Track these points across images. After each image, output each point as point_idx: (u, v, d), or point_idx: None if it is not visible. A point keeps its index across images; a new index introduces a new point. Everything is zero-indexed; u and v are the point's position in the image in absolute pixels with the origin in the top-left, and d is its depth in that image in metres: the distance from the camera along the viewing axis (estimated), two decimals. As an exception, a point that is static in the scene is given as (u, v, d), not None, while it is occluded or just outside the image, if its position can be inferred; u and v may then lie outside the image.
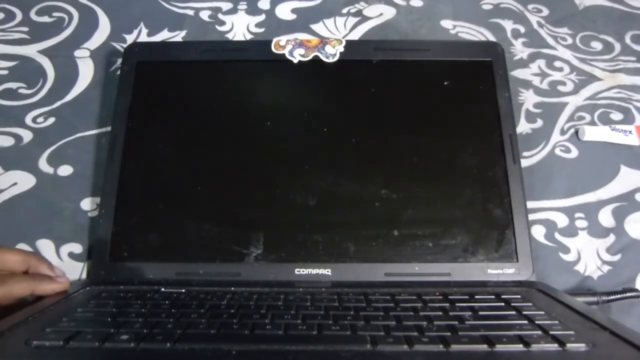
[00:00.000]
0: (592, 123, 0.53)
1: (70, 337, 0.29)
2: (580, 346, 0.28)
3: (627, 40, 0.59)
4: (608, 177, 0.49)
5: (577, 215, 0.47)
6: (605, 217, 0.47)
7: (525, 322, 0.32)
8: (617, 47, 0.58)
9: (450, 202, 0.44)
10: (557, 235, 0.46)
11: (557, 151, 0.51)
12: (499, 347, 0.28)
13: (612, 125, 0.52)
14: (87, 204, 0.48)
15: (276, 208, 0.44)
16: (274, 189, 0.45)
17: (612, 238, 0.46)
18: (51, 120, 0.52)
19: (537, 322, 0.32)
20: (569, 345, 0.28)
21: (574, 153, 0.51)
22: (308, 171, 0.46)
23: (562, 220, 0.47)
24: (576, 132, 0.52)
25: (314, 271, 0.42)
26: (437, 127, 0.48)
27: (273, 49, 0.50)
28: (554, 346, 0.28)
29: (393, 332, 0.30)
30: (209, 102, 0.49)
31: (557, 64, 0.57)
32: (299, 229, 0.43)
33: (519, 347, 0.28)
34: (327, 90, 0.50)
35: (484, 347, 0.28)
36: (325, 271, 0.42)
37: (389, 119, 0.48)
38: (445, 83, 0.49)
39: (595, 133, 0.51)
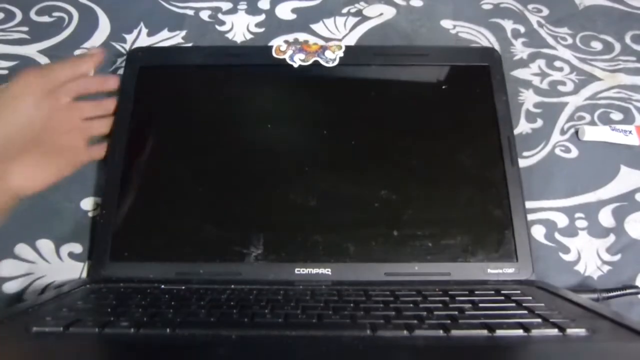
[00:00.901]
0: (592, 123, 0.53)
1: (70, 323, 0.29)
2: (581, 331, 0.28)
3: (627, 40, 0.59)
4: (608, 177, 0.49)
5: (577, 215, 0.47)
6: (605, 217, 0.47)
7: (526, 312, 0.32)
8: (617, 47, 0.58)
9: (450, 203, 0.44)
10: (557, 235, 0.46)
11: (557, 151, 0.51)
12: (499, 332, 0.28)
13: (612, 125, 0.51)
14: (87, 203, 0.48)
15: (276, 208, 0.45)
16: (274, 189, 0.45)
17: (612, 238, 0.46)
18: (51, 120, 0.52)
19: (537, 312, 0.32)
20: (569, 331, 0.28)
21: (574, 153, 0.51)
22: (308, 172, 0.46)
23: (562, 220, 0.47)
24: (576, 132, 0.52)
25: (314, 271, 0.42)
26: (436, 131, 0.48)
27: (274, 54, 0.50)
28: (554, 331, 0.29)
29: (393, 320, 0.30)
30: (211, 105, 0.49)
31: (557, 63, 0.57)
32: (299, 229, 0.43)
33: (519, 332, 0.29)
34: (327, 94, 0.50)
35: (484, 332, 0.29)
36: (326, 271, 0.42)
37: (388, 122, 0.48)
38: (444, 87, 0.49)
39: (595, 133, 0.51)
